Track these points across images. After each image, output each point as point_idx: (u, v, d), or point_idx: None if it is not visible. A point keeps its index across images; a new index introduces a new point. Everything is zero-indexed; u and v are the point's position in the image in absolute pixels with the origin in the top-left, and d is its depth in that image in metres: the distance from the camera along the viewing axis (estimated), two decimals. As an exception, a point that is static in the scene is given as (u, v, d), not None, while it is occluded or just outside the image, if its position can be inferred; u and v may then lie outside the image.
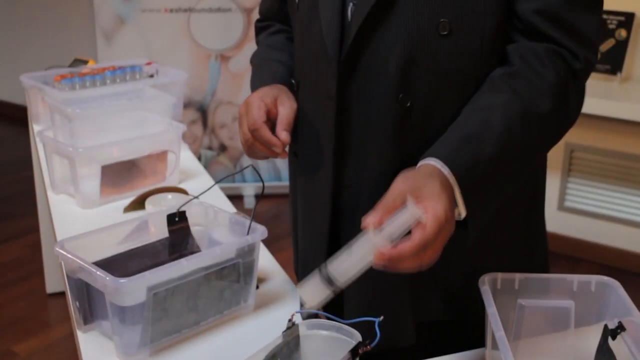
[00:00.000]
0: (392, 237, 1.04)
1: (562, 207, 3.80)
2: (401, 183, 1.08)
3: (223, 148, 4.27)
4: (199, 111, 4.18)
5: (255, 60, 1.54)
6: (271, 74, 1.44)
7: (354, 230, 1.24)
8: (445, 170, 1.11)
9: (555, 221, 3.81)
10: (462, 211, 1.12)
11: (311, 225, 1.42)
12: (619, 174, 3.64)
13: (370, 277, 1.30)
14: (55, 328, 3.13)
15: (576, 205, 3.77)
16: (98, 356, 1.32)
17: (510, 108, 1.17)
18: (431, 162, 1.12)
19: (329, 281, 1.07)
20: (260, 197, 1.49)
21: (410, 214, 1.04)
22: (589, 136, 3.63)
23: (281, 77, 1.43)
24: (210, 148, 4.23)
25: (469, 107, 1.21)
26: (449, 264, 1.30)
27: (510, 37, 1.25)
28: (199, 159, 4.18)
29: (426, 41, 1.21)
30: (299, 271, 1.49)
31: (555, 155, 3.72)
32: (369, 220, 1.05)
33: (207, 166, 4.19)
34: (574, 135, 3.65)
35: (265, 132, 1.28)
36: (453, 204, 1.10)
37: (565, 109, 1.23)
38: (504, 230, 1.36)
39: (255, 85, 1.43)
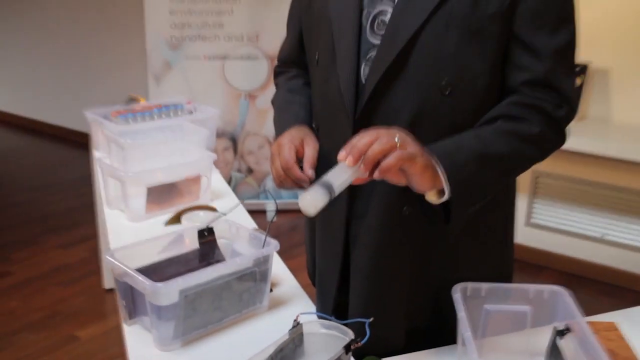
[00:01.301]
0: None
1: (529, 223, 3.79)
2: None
3: (250, 171, 4.27)
4: (231, 140, 4.19)
5: (277, 102, 1.52)
6: (294, 116, 1.42)
7: (362, 253, 1.30)
8: (435, 153, 1.13)
9: (523, 235, 3.80)
10: (446, 190, 1.13)
11: (328, 248, 1.40)
12: (576, 196, 3.62)
13: (371, 291, 1.31)
14: (109, 317, 3.13)
15: (541, 221, 3.76)
16: (140, 346, 1.33)
17: (491, 125, 1.20)
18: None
19: (328, 188, 1.09)
20: (274, 216, 1.49)
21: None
22: (551, 165, 3.62)
23: (303, 119, 1.41)
24: (239, 171, 4.23)
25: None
26: (435, 276, 1.31)
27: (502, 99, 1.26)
28: (230, 180, 4.19)
29: (431, 99, 1.21)
30: (317, 287, 1.47)
31: (523, 180, 3.72)
32: (340, 154, 1.09)
33: (236, 185, 4.21)
34: (539, 164, 3.64)
35: (297, 171, 1.28)
36: (433, 167, 1.12)
37: (541, 149, 1.26)
38: (480, 245, 1.36)
39: (279, 125, 1.43)
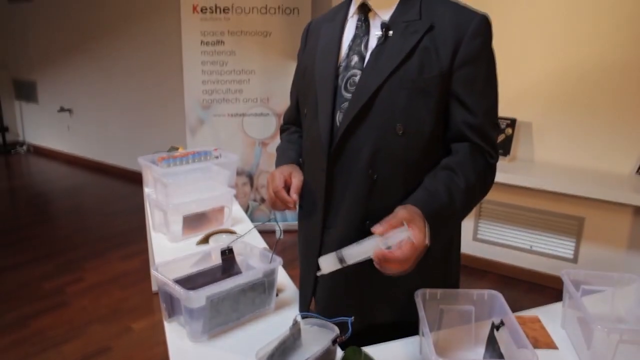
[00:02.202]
0: (387, 244, 1.06)
1: (475, 238, 3.76)
2: (402, 212, 1.09)
3: (263, 200, 4.26)
4: (248, 177, 4.18)
5: (279, 149, 1.54)
6: (287, 158, 1.44)
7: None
8: (425, 218, 1.12)
9: (471, 247, 3.78)
10: (428, 240, 1.12)
11: (306, 255, 1.41)
12: (510, 217, 3.61)
13: (332, 293, 1.30)
14: (156, 314, 3.11)
15: (484, 237, 3.74)
16: (176, 338, 1.32)
17: (457, 182, 1.19)
18: (414, 207, 1.12)
19: (341, 259, 1.08)
20: (280, 237, 1.48)
21: (406, 234, 1.06)
22: (492, 194, 3.62)
23: (293, 159, 1.43)
24: (255, 200, 4.22)
25: (431, 177, 1.21)
26: (401, 284, 1.30)
27: (446, 141, 1.25)
28: (247, 207, 4.18)
29: (388, 138, 1.22)
30: (299, 287, 1.48)
31: (470, 205, 3.71)
32: (378, 229, 1.07)
33: (252, 212, 4.19)
34: (482, 193, 3.65)
35: (284, 195, 1.31)
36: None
37: (485, 183, 1.25)
38: (432, 262, 1.34)
39: (279, 163, 1.45)
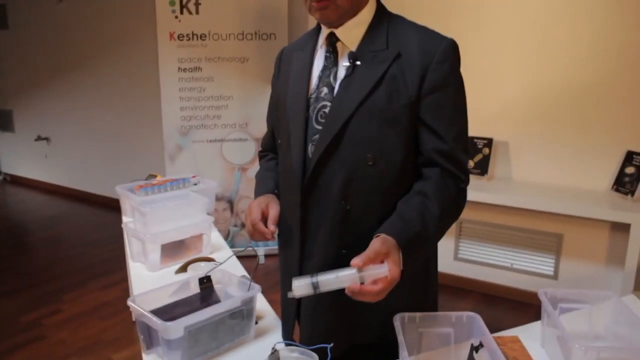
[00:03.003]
0: (363, 279, 1.08)
1: (456, 257, 3.78)
2: (378, 246, 1.10)
3: (243, 225, 4.22)
4: (228, 202, 4.16)
5: (257, 177, 1.54)
6: (265, 187, 1.45)
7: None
8: (399, 247, 1.12)
9: (452, 267, 3.79)
10: (401, 266, 1.13)
11: (288, 281, 1.39)
12: (490, 236, 3.64)
13: (314, 319, 1.30)
14: (137, 345, 3.05)
15: (465, 256, 3.76)
16: (155, 371, 1.30)
17: (430, 208, 1.19)
18: (390, 237, 1.13)
19: (315, 286, 1.08)
20: (257, 267, 1.48)
21: (384, 270, 1.08)
22: (471, 213, 3.65)
23: (271, 189, 1.43)
24: (235, 225, 4.19)
25: (405, 203, 1.22)
26: (383, 305, 1.30)
27: (417, 167, 1.26)
28: (228, 233, 4.15)
29: (359, 169, 1.22)
30: (282, 316, 1.47)
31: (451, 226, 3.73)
32: (355, 262, 1.08)
33: (233, 237, 4.16)
34: (462, 214, 3.66)
35: (261, 227, 1.31)
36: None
37: (457, 207, 1.26)
38: (410, 284, 1.34)
39: (257, 193, 1.45)
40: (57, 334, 3.18)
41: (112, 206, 5.53)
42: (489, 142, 3.47)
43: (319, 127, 1.25)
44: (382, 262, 1.10)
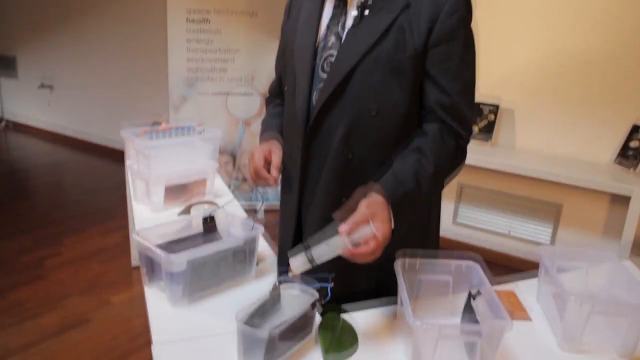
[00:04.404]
0: (354, 242, 1.08)
1: (455, 222, 3.81)
2: (364, 209, 1.10)
3: (244, 179, 4.25)
4: (231, 156, 4.17)
5: (263, 123, 1.54)
6: (270, 133, 1.44)
7: (309, 232, 1.30)
8: (389, 203, 1.13)
9: (451, 232, 3.82)
10: (392, 225, 1.13)
11: (286, 232, 1.43)
12: (490, 202, 3.65)
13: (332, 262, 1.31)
14: (136, 288, 3.11)
15: (464, 221, 3.78)
16: (156, 303, 1.32)
17: (425, 166, 1.19)
18: (380, 196, 1.13)
19: (311, 260, 1.09)
20: (262, 206, 1.49)
21: (370, 231, 1.08)
22: (472, 178, 3.66)
23: (276, 135, 1.43)
24: (237, 179, 4.21)
25: (401, 161, 1.21)
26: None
27: (419, 118, 1.26)
28: (230, 185, 4.17)
29: (362, 118, 1.23)
30: (278, 253, 1.51)
31: (451, 190, 3.74)
32: (343, 228, 1.07)
33: (235, 190, 4.18)
34: (463, 177, 3.68)
35: (264, 173, 1.32)
36: (389, 217, 1.13)
37: (454, 164, 1.26)
38: (412, 233, 1.36)
39: (262, 138, 1.45)
40: (57, 275, 3.22)
41: (115, 156, 5.54)
42: (495, 109, 3.45)
43: (324, 76, 1.25)
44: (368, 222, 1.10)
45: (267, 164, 1.34)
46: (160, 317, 1.25)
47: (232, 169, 4.19)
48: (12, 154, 5.85)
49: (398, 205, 1.14)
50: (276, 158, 1.34)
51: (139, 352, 2.54)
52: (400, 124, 1.24)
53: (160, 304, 1.31)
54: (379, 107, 1.21)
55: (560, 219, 3.43)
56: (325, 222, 1.16)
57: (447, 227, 3.81)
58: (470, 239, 3.77)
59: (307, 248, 1.11)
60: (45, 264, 3.35)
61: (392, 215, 1.13)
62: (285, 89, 1.39)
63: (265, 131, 1.47)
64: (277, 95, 1.57)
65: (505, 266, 3.59)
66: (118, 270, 3.31)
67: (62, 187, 4.82)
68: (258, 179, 1.33)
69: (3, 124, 6.94)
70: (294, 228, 1.39)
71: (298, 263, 1.12)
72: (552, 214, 3.44)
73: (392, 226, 1.12)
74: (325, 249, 1.10)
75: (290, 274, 1.14)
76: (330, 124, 1.25)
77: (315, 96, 1.27)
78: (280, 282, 1.18)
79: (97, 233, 3.84)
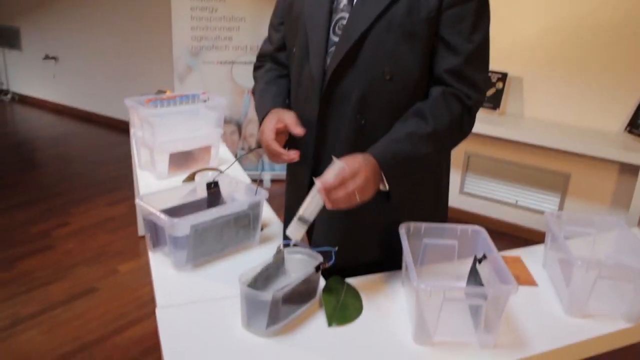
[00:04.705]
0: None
1: (462, 191, 3.79)
2: (336, 160, 1.10)
3: (250, 149, 4.24)
4: (236, 126, 4.15)
5: (257, 92, 1.44)
6: (269, 102, 1.36)
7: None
8: (375, 159, 1.13)
9: (457, 201, 3.81)
10: (386, 185, 1.12)
11: (296, 196, 1.39)
12: (497, 171, 3.63)
13: (338, 229, 1.30)
14: (143, 257, 3.13)
15: (471, 191, 3.77)
16: (161, 268, 1.32)
17: (421, 126, 1.17)
18: (368, 156, 1.13)
19: (303, 220, 1.09)
20: (262, 171, 1.48)
21: (336, 165, 1.08)
22: (480, 147, 3.63)
23: (277, 104, 1.36)
24: (242, 149, 4.20)
25: (398, 124, 1.20)
26: (380, 219, 1.30)
27: (429, 84, 1.24)
28: (236, 155, 4.16)
29: (375, 84, 1.20)
30: (284, 221, 1.48)
31: (458, 159, 3.72)
32: (319, 178, 1.08)
33: (241, 161, 4.17)
34: (470, 146, 3.65)
35: (275, 147, 1.23)
36: (377, 177, 1.12)
37: (460, 127, 1.23)
38: (420, 198, 1.35)
39: (259, 111, 1.38)
40: (65, 245, 3.25)
41: (120, 127, 5.54)
42: (503, 77, 3.41)
43: (336, 39, 1.22)
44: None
45: (282, 132, 1.26)
46: (164, 282, 1.26)
47: (237, 139, 4.17)
48: (19, 126, 5.85)
49: (395, 168, 1.13)
50: (290, 117, 1.24)
51: (146, 319, 2.56)
52: (413, 90, 1.22)
53: (164, 270, 1.31)
54: (393, 71, 1.19)
55: (568, 188, 3.40)
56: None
57: (454, 197, 3.80)
58: (477, 208, 3.76)
59: (297, 215, 1.11)
60: (53, 235, 3.37)
61: (379, 174, 1.12)
62: (293, 51, 1.34)
63: (265, 101, 1.38)
64: (268, 55, 1.48)
65: (511, 236, 3.59)
66: (125, 240, 3.33)
67: (69, 158, 4.83)
68: (275, 158, 1.26)
69: (9, 96, 6.93)
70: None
71: (293, 229, 1.12)
72: (559, 183, 3.42)
73: (386, 188, 1.13)
74: (310, 205, 1.10)
75: (292, 243, 1.13)
76: (344, 89, 1.22)
77: (327, 61, 1.24)
78: (285, 246, 1.18)
79: (104, 203, 3.86)
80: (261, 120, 1.34)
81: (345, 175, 1.07)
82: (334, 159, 1.09)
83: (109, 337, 2.44)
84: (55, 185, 4.17)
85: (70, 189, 4.11)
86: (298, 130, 1.22)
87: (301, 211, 1.10)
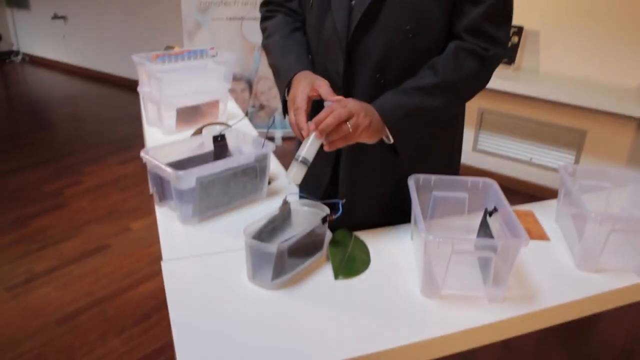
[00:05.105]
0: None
1: (475, 149, 3.75)
2: (332, 107, 1.08)
3: (261, 107, 4.20)
4: (247, 83, 4.10)
5: (273, 48, 1.32)
6: (294, 64, 1.25)
7: (347, 160, 1.28)
8: (378, 111, 1.11)
9: (471, 158, 3.77)
10: (391, 138, 1.10)
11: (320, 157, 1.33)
12: (511, 128, 3.58)
13: (351, 182, 1.28)
14: (153, 215, 3.12)
15: (484, 148, 3.72)
16: (167, 222, 1.31)
17: (430, 77, 1.15)
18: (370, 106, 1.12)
19: (303, 161, 1.07)
20: (272, 124, 1.45)
21: (327, 105, 1.08)
22: (494, 103, 3.57)
23: (303, 65, 1.25)
24: (253, 106, 4.16)
25: (409, 79, 1.17)
26: (395, 172, 1.27)
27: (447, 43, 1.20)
28: (247, 113, 4.13)
29: (398, 41, 1.16)
30: (310, 179, 1.27)
31: (471, 115, 3.66)
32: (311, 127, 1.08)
33: (252, 118, 4.15)
34: (484, 102, 3.59)
35: (303, 120, 1.10)
36: (374, 116, 1.10)
37: (471, 83, 1.19)
38: (433, 154, 1.32)
39: (282, 70, 1.27)
40: (78, 203, 3.27)
41: (131, 86, 5.52)
42: (519, 31, 3.31)
43: None
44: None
45: (313, 99, 1.16)
46: (170, 236, 1.25)
47: (248, 97, 4.13)
48: (30, 86, 5.85)
49: (398, 118, 1.12)
50: (325, 87, 1.13)
51: (158, 275, 2.59)
52: (434, 47, 1.18)
53: (171, 223, 1.30)
54: (416, 28, 1.15)
55: (584, 146, 3.34)
56: (361, 153, 1.13)
57: (467, 154, 3.75)
58: (491, 166, 3.72)
59: (296, 157, 1.09)
60: (65, 193, 3.39)
61: (378, 119, 1.11)
62: (312, 3, 1.26)
63: (284, 61, 1.27)
64: (277, 2, 1.38)
65: (525, 194, 3.56)
66: (137, 198, 3.34)
67: (80, 118, 4.83)
68: (295, 128, 1.14)
69: (20, 57, 6.91)
70: (333, 156, 1.30)
71: (295, 172, 1.08)
72: (575, 140, 3.36)
73: (391, 140, 1.11)
74: (309, 147, 1.08)
75: (294, 183, 1.10)
76: (367, 45, 1.18)
77: (352, 15, 1.18)
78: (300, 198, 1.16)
79: (116, 162, 3.86)
80: (286, 82, 1.24)
81: (333, 107, 1.07)
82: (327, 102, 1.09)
83: (121, 293, 2.46)
84: (67, 144, 4.18)
85: (82, 148, 4.12)
86: (335, 100, 1.12)
87: (303, 154, 1.08)
